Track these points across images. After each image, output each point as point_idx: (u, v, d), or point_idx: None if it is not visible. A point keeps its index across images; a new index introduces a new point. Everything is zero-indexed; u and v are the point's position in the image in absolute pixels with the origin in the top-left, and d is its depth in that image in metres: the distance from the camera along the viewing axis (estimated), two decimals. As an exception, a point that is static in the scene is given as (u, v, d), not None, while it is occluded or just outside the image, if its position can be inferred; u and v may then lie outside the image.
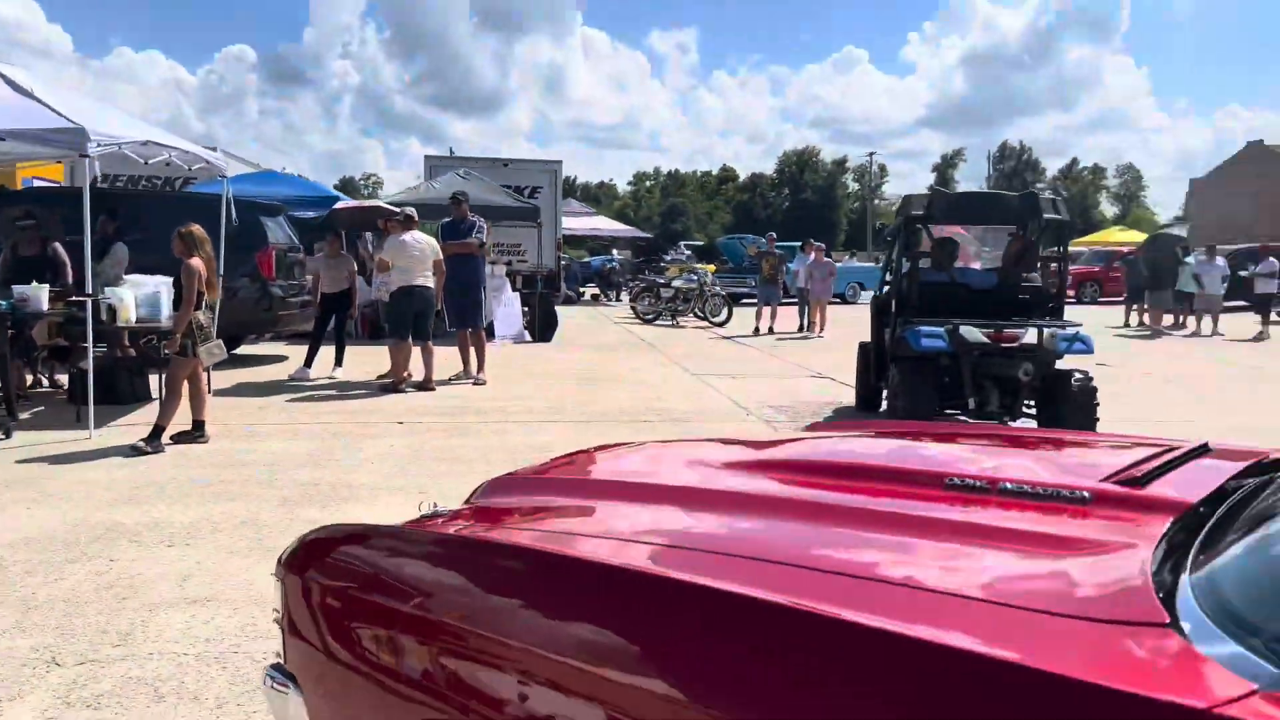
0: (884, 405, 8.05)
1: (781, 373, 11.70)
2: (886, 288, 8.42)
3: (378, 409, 8.79)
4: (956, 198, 7.86)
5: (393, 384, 9.81)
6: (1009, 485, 1.67)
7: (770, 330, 17.09)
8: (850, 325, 18.50)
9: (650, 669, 1.30)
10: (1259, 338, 16.94)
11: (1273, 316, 18.04)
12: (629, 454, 2.45)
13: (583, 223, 30.13)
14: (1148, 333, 18.15)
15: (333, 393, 9.71)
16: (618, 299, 28.50)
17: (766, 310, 17.40)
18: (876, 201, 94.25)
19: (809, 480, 1.87)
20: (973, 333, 6.95)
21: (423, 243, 9.93)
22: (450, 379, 10.50)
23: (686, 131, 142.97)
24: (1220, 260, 17.88)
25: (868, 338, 8.75)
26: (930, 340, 6.97)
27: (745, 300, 20.66)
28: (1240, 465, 1.73)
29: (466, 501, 2.25)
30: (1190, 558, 1.30)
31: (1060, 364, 7.25)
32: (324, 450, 6.88)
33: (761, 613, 1.25)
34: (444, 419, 8.31)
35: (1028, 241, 7.82)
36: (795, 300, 18.32)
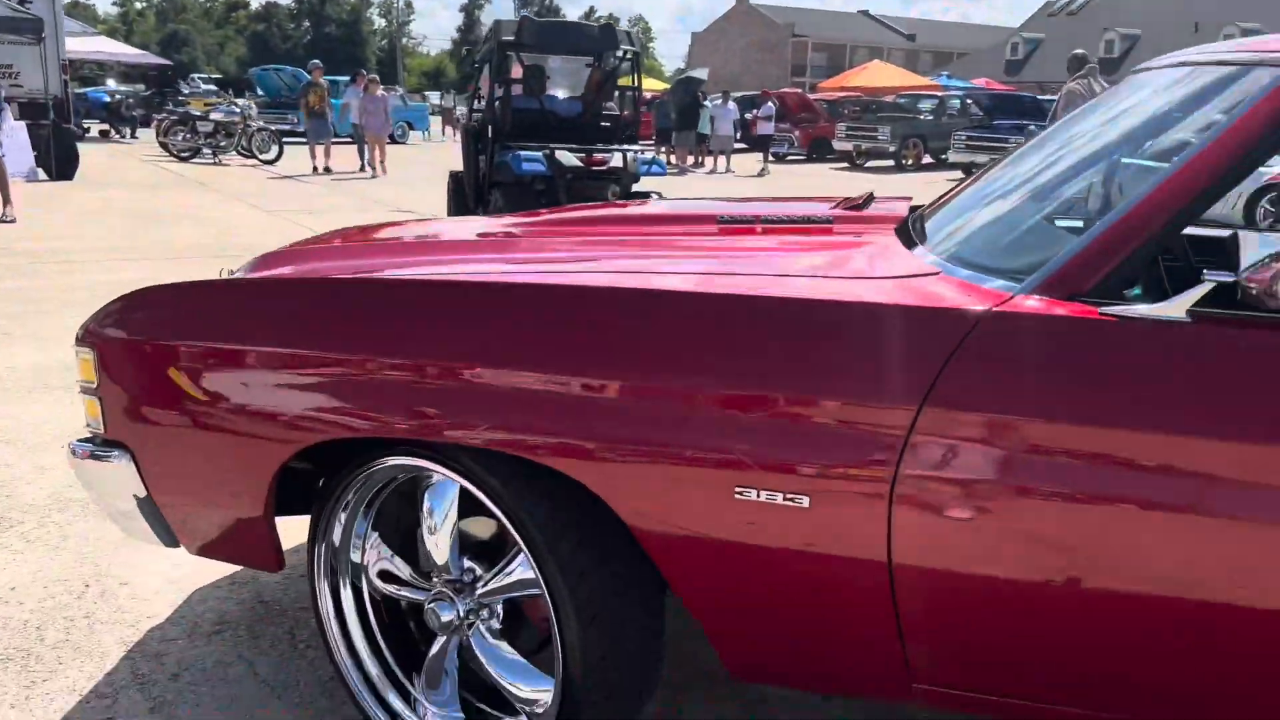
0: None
1: (360, 208, 11.48)
2: (479, 115, 8.63)
3: (-115, 254, 7.32)
4: (545, 25, 8.18)
5: (-109, 226, 8.15)
6: (768, 217, 2.12)
7: (327, 169, 16.29)
8: (410, 164, 18.38)
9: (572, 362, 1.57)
10: (761, 173, 19.78)
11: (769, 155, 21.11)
12: (401, 226, 2.54)
13: (84, 44, 25.78)
14: (676, 170, 20.28)
15: None
16: (133, 135, 25.21)
17: (320, 148, 16.48)
18: (405, 40, 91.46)
19: (608, 229, 2.17)
20: (568, 157, 7.48)
21: (-85, 51, 8.13)
22: (-33, 219, 8.94)
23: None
24: (732, 105, 20.35)
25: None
26: (530, 164, 7.40)
27: (288, 139, 19.37)
28: (905, 203, 2.36)
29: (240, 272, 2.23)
30: (921, 242, 1.84)
31: (636, 186, 8.09)
32: None
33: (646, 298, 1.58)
34: (-15, 261, 7.17)
35: (606, 72, 8.45)
36: (350, 139, 17.49)
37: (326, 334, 1.72)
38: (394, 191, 13.27)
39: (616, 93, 8.63)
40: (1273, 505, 1.31)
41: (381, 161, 16.65)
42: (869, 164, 22.14)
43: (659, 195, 8.01)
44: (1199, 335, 1.37)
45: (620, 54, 8.18)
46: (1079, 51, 8.37)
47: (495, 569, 1.80)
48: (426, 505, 1.84)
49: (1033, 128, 19.28)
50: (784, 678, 1.70)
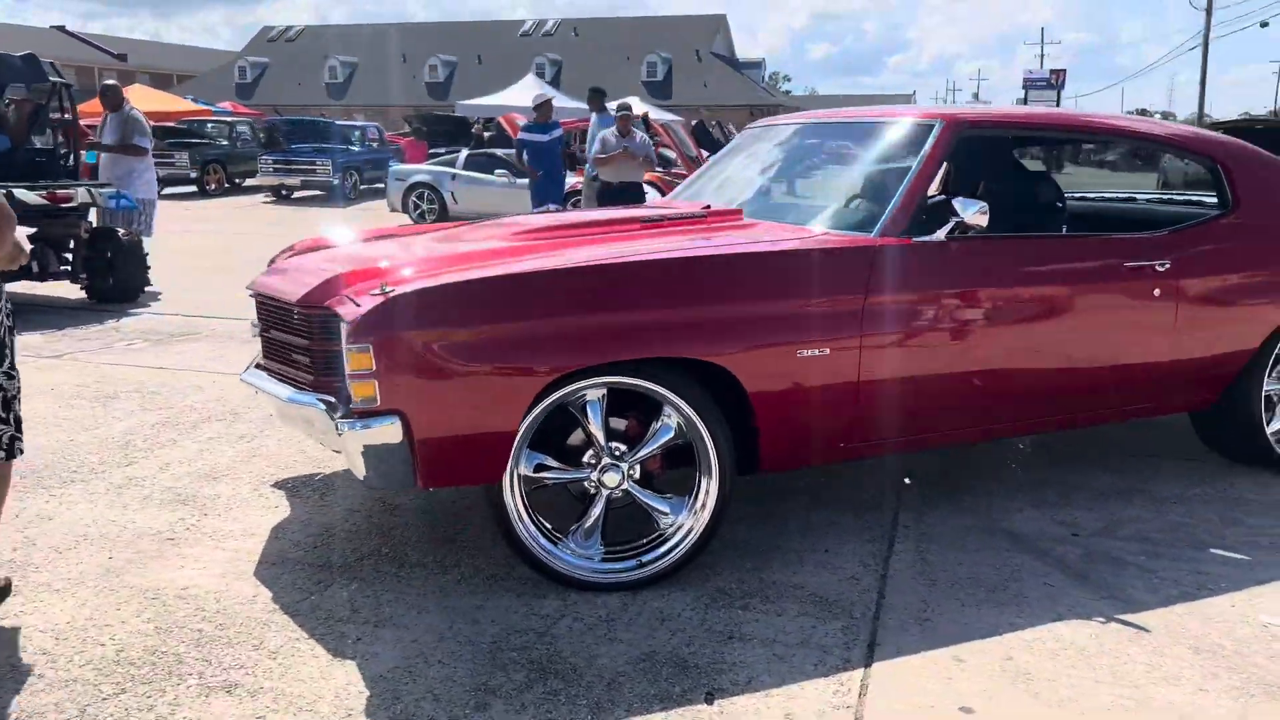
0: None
1: None
2: None
3: None
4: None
5: None
6: (672, 214, 3.49)
7: None
8: None
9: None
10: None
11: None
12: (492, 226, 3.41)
13: None
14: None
15: None
16: None
17: None
18: None
19: (604, 229, 3.33)
20: (29, 195, 6.96)
21: None
22: None
23: None
24: None
25: None
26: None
27: None
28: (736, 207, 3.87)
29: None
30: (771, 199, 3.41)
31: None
32: None
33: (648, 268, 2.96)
34: None
35: (37, 104, 7.81)
36: None
37: (550, 307, 2.71)
38: None
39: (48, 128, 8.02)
40: (987, 311, 3.24)
41: None
42: (166, 191, 21.53)
43: (129, 230, 7.87)
44: (951, 246, 3.24)
45: (49, 86, 7.70)
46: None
47: (642, 440, 2.92)
48: (589, 413, 2.87)
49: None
50: (796, 459, 3.18)
